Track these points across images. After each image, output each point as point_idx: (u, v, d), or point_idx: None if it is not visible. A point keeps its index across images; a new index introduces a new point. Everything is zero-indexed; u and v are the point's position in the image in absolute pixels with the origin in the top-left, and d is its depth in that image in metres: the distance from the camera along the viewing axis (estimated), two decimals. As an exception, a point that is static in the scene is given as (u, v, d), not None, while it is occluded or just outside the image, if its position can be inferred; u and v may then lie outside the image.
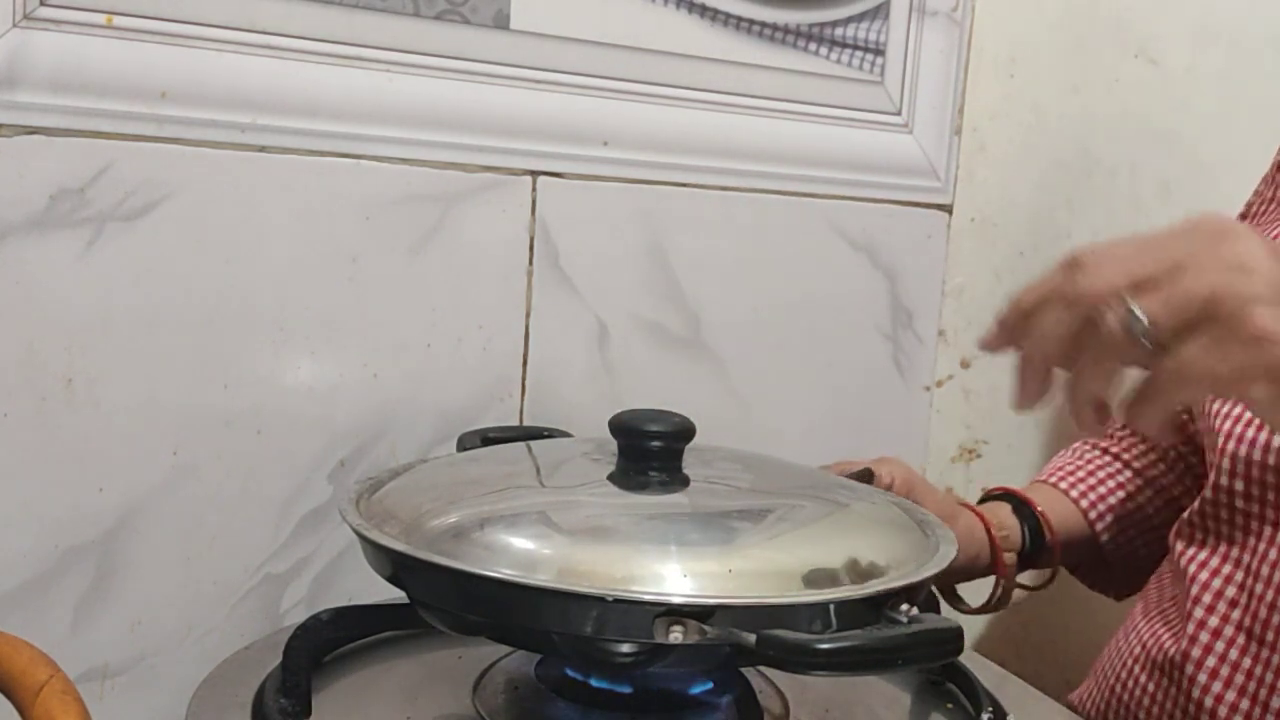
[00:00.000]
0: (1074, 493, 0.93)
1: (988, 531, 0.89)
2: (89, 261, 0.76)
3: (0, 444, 0.75)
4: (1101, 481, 0.94)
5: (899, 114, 1.10)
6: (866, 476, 0.84)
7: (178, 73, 0.77)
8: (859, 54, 1.06)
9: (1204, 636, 0.74)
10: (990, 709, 0.71)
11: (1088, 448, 0.98)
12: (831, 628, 0.58)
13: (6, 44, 0.72)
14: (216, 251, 0.80)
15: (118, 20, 0.75)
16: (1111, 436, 0.98)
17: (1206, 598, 0.74)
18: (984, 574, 0.90)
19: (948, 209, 1.15)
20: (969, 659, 0.74)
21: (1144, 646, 0.80)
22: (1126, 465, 0.95)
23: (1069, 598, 1.09)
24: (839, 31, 1.04)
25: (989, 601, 0.91)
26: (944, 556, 0.66)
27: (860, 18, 1.05)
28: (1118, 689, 0.82)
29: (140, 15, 0.76)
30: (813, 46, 1.03)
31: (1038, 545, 0.90)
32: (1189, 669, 0.74)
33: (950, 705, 0.75)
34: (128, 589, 0.80)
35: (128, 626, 0.81)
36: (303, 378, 0.85)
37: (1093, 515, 0.93)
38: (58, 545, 0.78)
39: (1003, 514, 0.91)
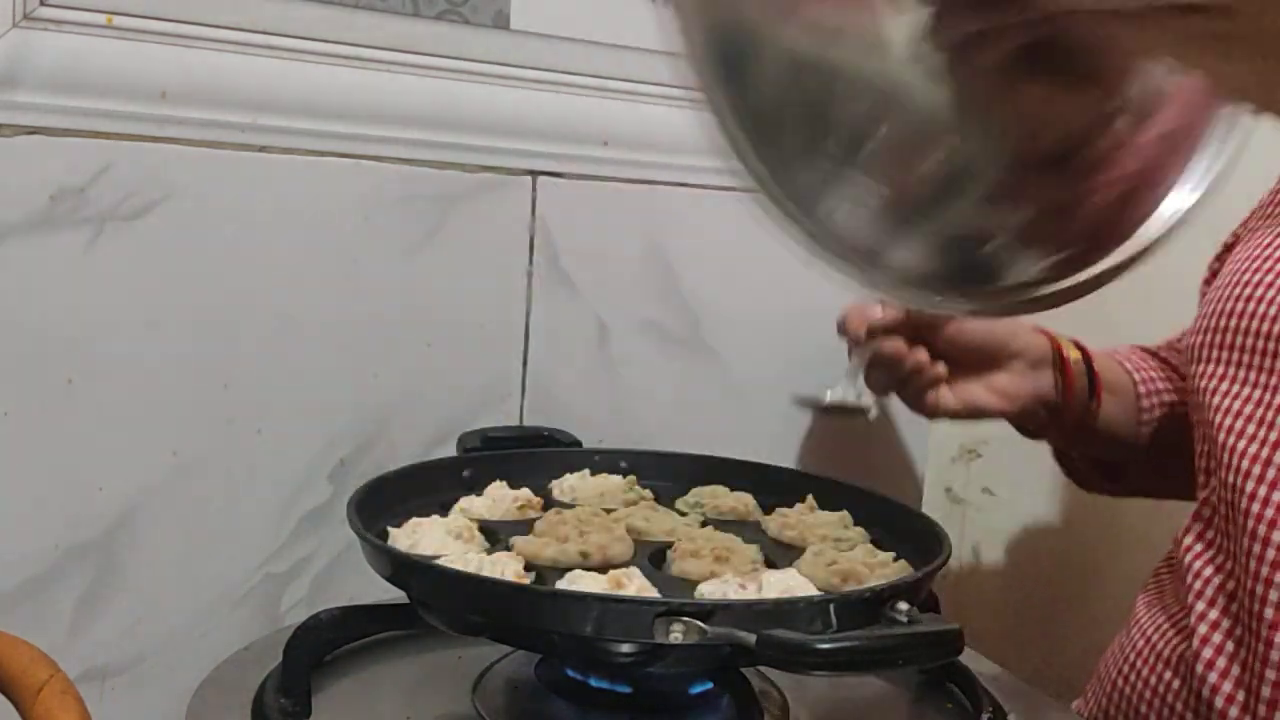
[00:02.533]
0: (1128, 364, 0.95)
1: (1050, 340, 0.92)
2: (89, 261, 0.76)
3: (0, 444, 0.75)
4: (1149, 364, 0.96)
5: (899, 114, 1.09)
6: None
7: (178, 73, 0.77)
8: (859, 54, 1.05)
9: (1202, 629, 0.74)
10: (990, 709, 0.71)
11: (1138, 348, 1.00)
12: (831, 628, 0.58)
13: (6, 44, 0.72)
14: (216, 251, 0.80)
15: (118, 20, 0.75)
16: (1159, 348, 0.99)
17: (1209, 591, 0.75)
18: (1049, 382, 0.92)
19: (948, 209, 1.15)
20: (969, 659, 0.74)
21: (1148, 641, 0.80)
22: (1174, 368, 0.96)
23: (1069, 597, 1.09)
24: (839, 31, 1.04)
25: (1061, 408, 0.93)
26: (942, 557, 0.67)
27: (860, 18, 1.05)
28: (1121, 684, 0.82)
29: (140, 15, 0.76)
30: (813, 46, 1.03)
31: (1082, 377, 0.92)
32: (1188, 660, 0.74)
33: (950, 705, 0.75)
34: (128, 589, 0.80)
35: (128, 626, 0.81)
36: (303, 378, 0.85)
37: (1140, 383, 0.94)
38: (58, 545, 0.78)
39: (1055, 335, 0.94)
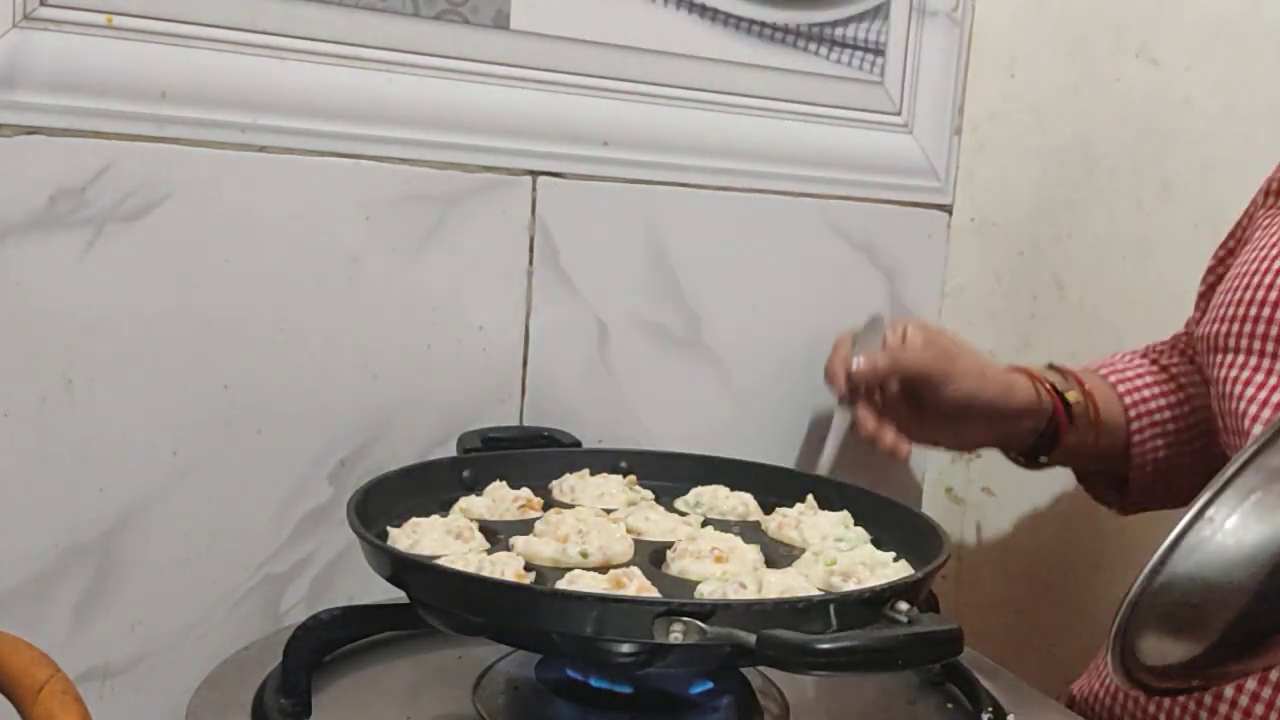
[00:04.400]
0: (1121, 387, 0.96)
1: (1037, 383, 0.93)
2: (89, 261, 0.76)
3: (0, 444, 0.75)
4: (1145, 382, 0.97)
5: (899, 114, 1.10)
6: (877, 324, 0.91)
7: (178, 73, 0.77)
8: (859, 54, 1.06)
9: None
10: (990, 709, 0.71)
11: (1139, 355, 1.01)
12: (831, 628, 0.58)
13: (6, 44, 0.72)
14: (216, 252, 0.80)
15: (118, 20, 0.75)
16: (1161, 351, 1.00)
17: None
18: (1038, 425, 0.93)
19: (948, 209, 1.15)
20: (969, 659, 0.74)
21: None
22: (1172, 378, 0.97)
23: (1069, 597, 1.09)
24: (839, 31, 1.04)
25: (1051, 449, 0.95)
26: (942, 557, 0.67)
27: (860, 18, 1.05)
28: None
29: (140, 15, 0.76)
30: (813, 46, 1.03)
31: (1079, 418, 0.94)
32: None
33: (950, 705, 0.75)
34: (128, 589, 0.80)
35: (128, 626, 0.81)
36: (303, 378, 0.85)
37: (1130, 407, 0.95)
38: (58, 545, 0.78)
39: (1053, 377, 0.95)
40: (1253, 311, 0.79)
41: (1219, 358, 0.81)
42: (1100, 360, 1.01)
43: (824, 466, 0.92)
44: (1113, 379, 0.97)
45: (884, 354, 0.90)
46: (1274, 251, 0.80)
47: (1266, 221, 0.87)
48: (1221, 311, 0.82)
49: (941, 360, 0.90)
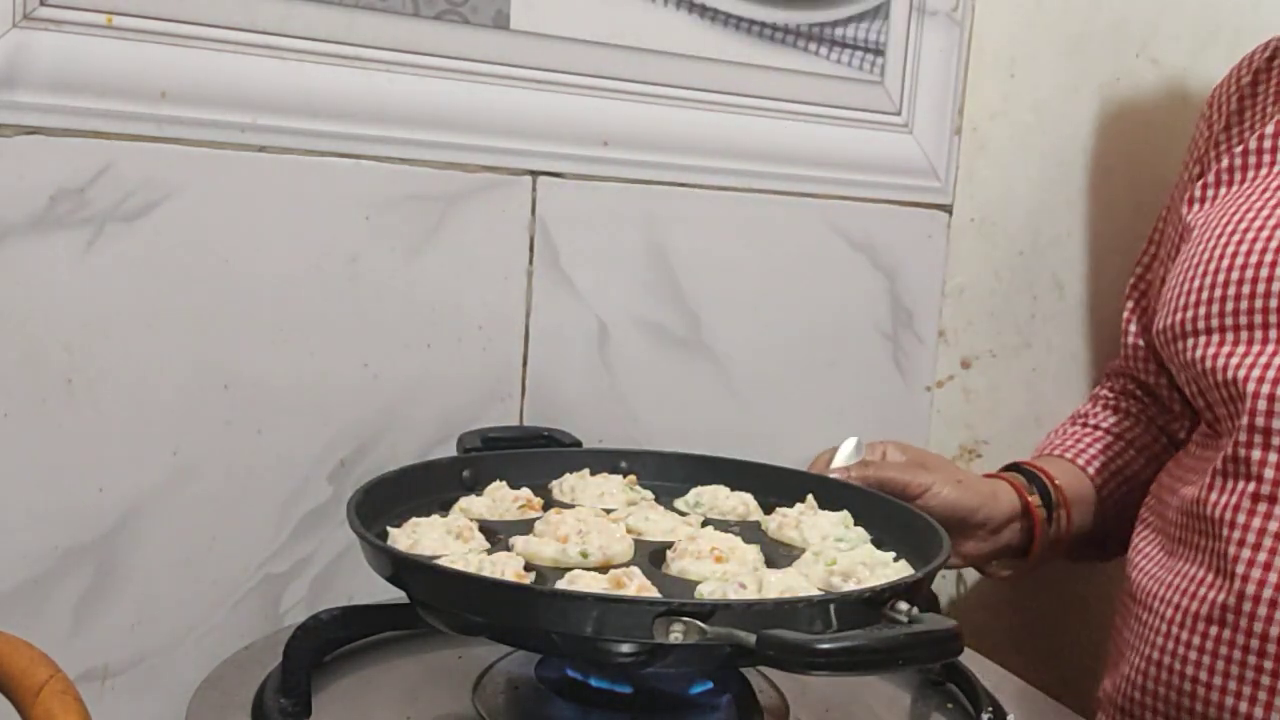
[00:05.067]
0: (1080, 460, 0.97)
1: (1019, 493, 0.93)
2: (89, 261, 0.76)
3: (0, 444, 0.75)
4: (1096, 449, 0.98)
5: (899, 114, 1.10)
6: (854, 444, 0.90)
7: (178, 73, 0.77)
8: (859, 54, 1.06)
9: (1256, 574, 0.74)
10: (990, 709, 0.71)
11: (1071, 424, 1.02)
12: (831, 628, 0.58)
13: (6, 44, 0.72)
14: (216, 251, 0.80)
15: (118, 20, 0.75)
16: (1086, 414, 1.02)
17: (1251, 538, 0.75)
18: (1014, 535, 0.93)
19: (948, 209, 1.15)
20: (969, 659, 0.74)
21: (1178, 609, 0.80)
22: (1107, 432, 0.99)
23: (1069, 597, 1.09)
24: (839, 31, 1.04)
25: (1029, 558, 0.95)
26: (941, 555, 0.67)
27: (860, 18, 1.05)
28: (1159, 657, 0.81)
29: (140, 15, 0.76)
30: (813, 46, 1.03)
31: (1050, 510, 0.94)
32: (1246, 608, 0.75)
33: (950, 705, 0.75)
34: (128, 589, 0.80)
35: (128, 626, 0.81)
36: (303, 378, 0.85)
37: (1095, 476, 0.97)
38: (58, 545, 0.78)
39: (1019, 483, 0.95)
40: (1218, 293, 0.80)
41: (1190, 341, 0.82)
42: (1045, 440, 1.03)
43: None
44: (1069, 455, 0.98)
45: (859, 465, 0.89)
46: (1234, 233, 0.81)
47: (1198, 210, 0.88)
48: (1188, 299, 0.83)
49: (918, 471, 0.90)
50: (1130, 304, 1.00)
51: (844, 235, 1.07)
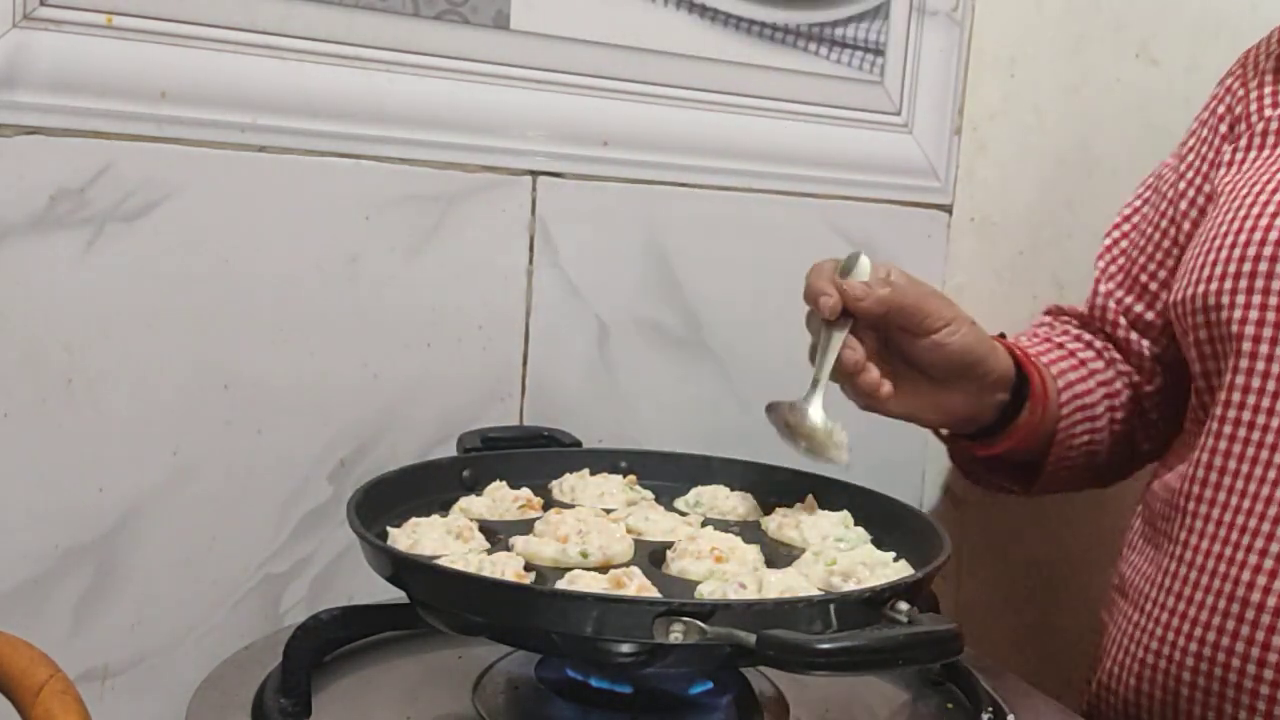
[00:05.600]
0: (1043, 359, 0.93)
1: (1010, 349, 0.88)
2: (89, 261, 0.76)
3: (0, 444, 0.75)
4: (1070, 366, 0.94)
5: (899, 114, 1.10)
6: (859, 259, 0.80)
7: (178, 73, 0.77)
8: (859, 54, 1.06)
9: (1269, 563, 0.74)
10: (990, 709, 0.71)
11: (1027, 336, 0.99)
12: (831, 628, 0.58)
13: (6, 44, 0.72)
14: (216, 251, 0.80)
15: (118, 20, 0.75)
16: (1048, 335, 0.99)
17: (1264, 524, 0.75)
18: (995, 404, 0.87)
19: (948, 209, 1.15)
20: (969, 659, 0.74)
21: (1154, 601, 0.80)
22: (1071, 355, 0.95)
23: (1069, 597, 1.09)
24: (839, 31, 1.04)
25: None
26: (942, 555, 0.67)
27: (860, 18, 1.05)
28: (1152, 660, 0.81)
29: (140, 15, 0.76)
30: (813, 46, 1.03)
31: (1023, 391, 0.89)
32: (1241, 597, 0.75)
33: (950, 705, 0.75)
34: (128, 589, 0.80)
35: (128, 626, 0.81)
36: (303, 378, 0.85)
37: (1064, 390, 0.92)
38: (58, 545, 0.78)
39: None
40: (1248, 266, 0.78)
41: (1223, 315, 0.80)
42: (1022, 334, 0.99)
43: (819, 393, 0.79)
44: (1045, 360, 0.94)
45: (879, 284, 0.79)
46: (1264, 198, 0.80)
47: (1224, 175, 0.86)
48: (1218, 269, 0.80)
49: (940, 303, 0.81)
50: (1102, 264, 0.97)
51: (844, 235, 1.07)
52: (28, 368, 0.75)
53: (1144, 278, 0.95)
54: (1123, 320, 0.96)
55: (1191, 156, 0.93)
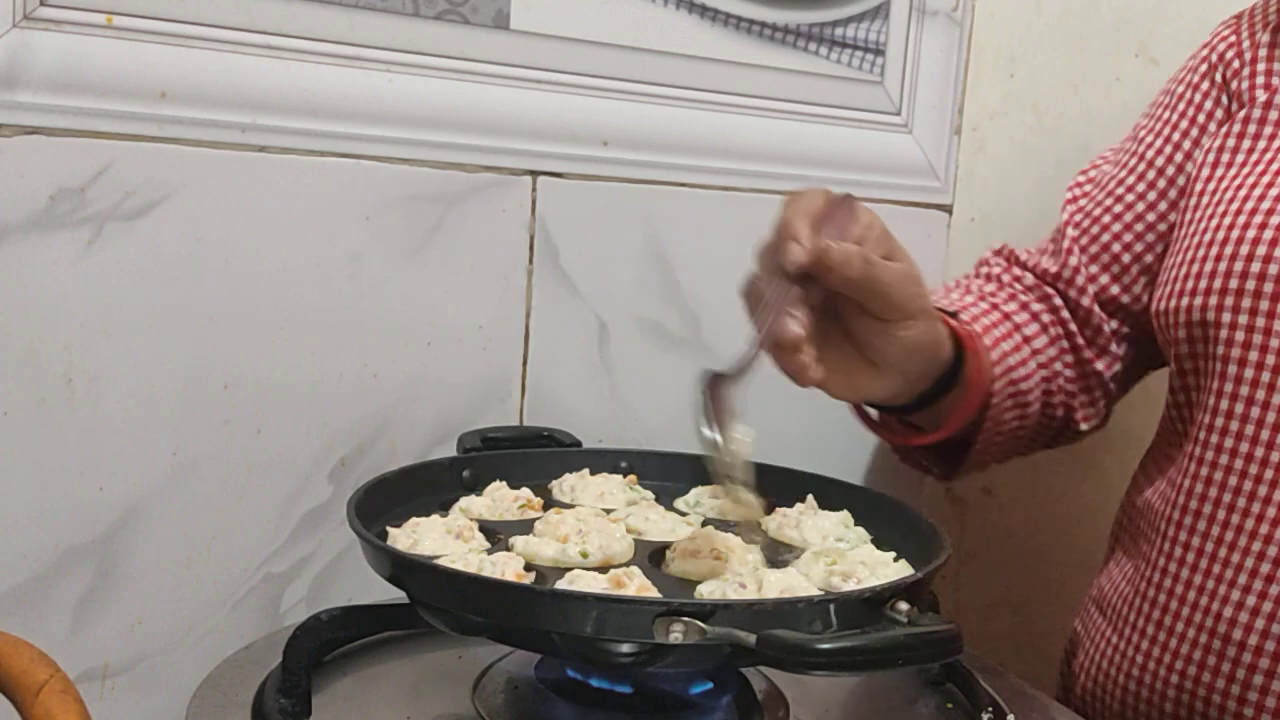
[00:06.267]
0: (986, 339, 0.87)
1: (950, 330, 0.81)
2: (89, 261, 0.76)
3: (0, 444, 0.75)
4: (998, 332, 0.89)
5: (899, 114, 1.10)
6: (848, 200, 0.74)
7: (178, 73, 0.77)
8: (859, 54, 1.06)
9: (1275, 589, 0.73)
10: (990, 709, 0.71)
11: (975, 297, 0.93)
12: (831, 628, 0.58)
13: (6, 44, 0.72)
14: (216, 251, 0.80)
15: (118, 20, 0.75)
16: (992, 293, 0.94)
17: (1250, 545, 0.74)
18: (936, 367, 0.80)
19: (948, 209, 1.15)
20: (969, 659, 0.74)
21: (1160, 626, 0.79)
22: (1016, 330, 0.90)
23: (1069, 597, 1.09)
24: (839, 31, 1.04)
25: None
26: (942, 555, 0.67)
27: (860, 18, 1.05)
28: (1135, 687, 0.81)
29: (140, 15, 0.76)
30: (813, 46, 1.03)
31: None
32: (1227, 617, 0.75)
33: (950, 705, 0.75)
34: (128, 589, 0.80)
35: (128, 626, 0.81)
36: (302, 378, 0.85)
37: (998, 365, 0.87)
38: (58, 545, 0.78)
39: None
40: (1234, 283, 0.75)
41: (1209, 332, 0.77)
42: (945, 292, 0.94)
43: (748, 355, 0.71)
44: (990, 339, 0.87)
45: (862, 253, 0.71)
46: (1253, 215, 0.76)
47: (1209, 175, 0.82)
48: (1205, 283, 0.77)
49: (910, 295, 0.73)
50: (1073, 229, 0.92)
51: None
52: (28, 367, 0.75)
53: (1117, 247, 0.90)
54: (1090, 289, 0.91)
55: (1174, 116, 0.89)
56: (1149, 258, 0.90)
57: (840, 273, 0.70)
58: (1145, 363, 0.93)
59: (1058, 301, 0.92)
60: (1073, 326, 0.92)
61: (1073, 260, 0.91)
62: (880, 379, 0.77)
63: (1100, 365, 0.92)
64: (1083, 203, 0.93)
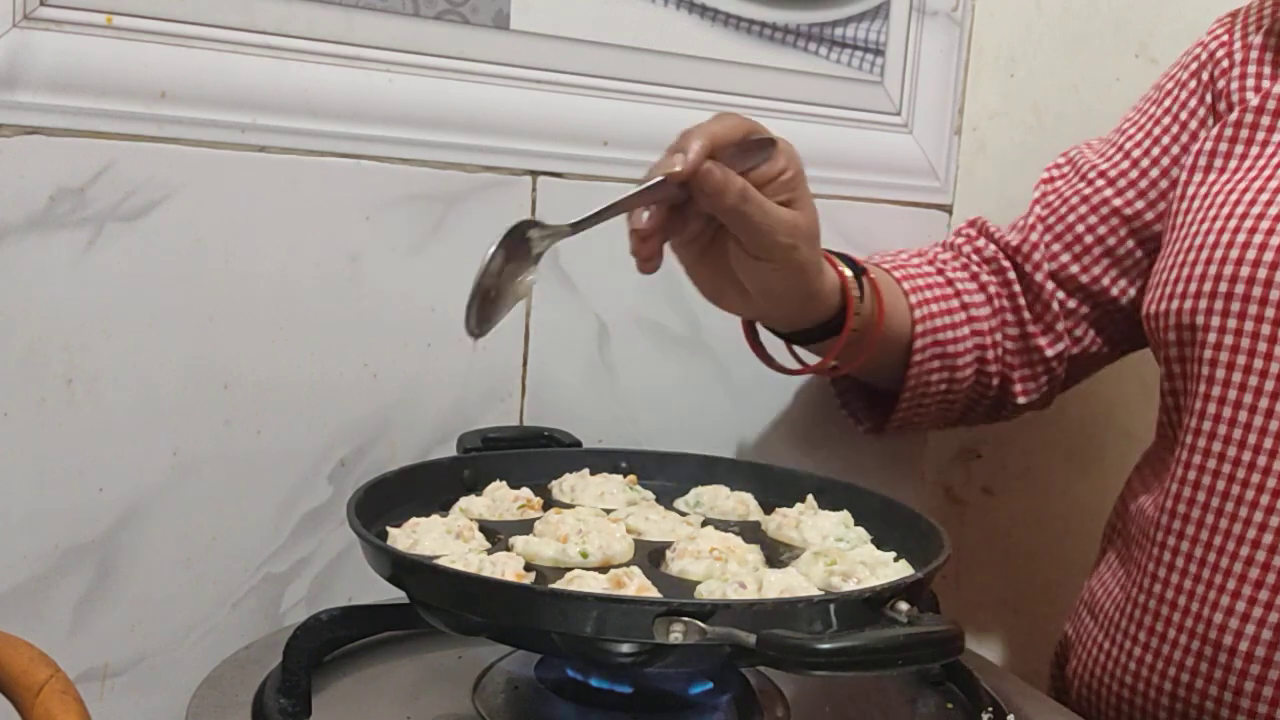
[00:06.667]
0: (913, 298, 0.90)
1: (844, 286, 0.83)
2: (89, 261, 0.76)
3: (0, 444, 0.75)
4: (935, 295, 0.91)
5: (899, 114, 1.10)
6: (768, 144, 0.74)
7: (178, 73, 0.77)
8: (859, 54, 1.06)
9: (1264, 595, 0.73)
10: (990, 709, 0.71)
11: (924, 260, 0.95)
12: (831, 628, 0.58)
13: (6, 44, 0.72)
14: (216, 251, 0.80)
15: (118, 20, 0.75)
16: (945, 260, 0.96)
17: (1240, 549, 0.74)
18: (814, 314, 0.83)
19: (948, 209, 1.15)
20: (969, 659, 0.74)
21: (1160, 634, 0.80)
22: (955, 295, 0.92)
23: (1069, 597, 1.09)
24: (839, 31, 1.04)
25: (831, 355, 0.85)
26: (942, 555, 0.67)
27: (860, 18, 1.05)
28: (1127, 694, 0.81)
29: (140, 15, 0.76)
30: (813, 46, 1.03)
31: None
32: (1217, 623, 0.75)
33: (950, 705, 0.75)
34: (128, 589, 0.80)
35: (128, 626, 0.81)
36: (302, 378, 0.85)
37: (918, 322, 0.90)
38: (58, 545, 0.78)
39: (851, 285, 0.84)
40: (1224, 286, 0.75)
41: (1199, 335, 0.77)
42: (890, 257, 0.96)
43: (581, 220, 0.73)
44: (906, 286, 0.90)
45: (743, 187, 0.71)
46: (1243, 220, 0.76)
47: (1200, 181, 0.82)
48: (1194, 286, 0.77)
49: (793, 242, 0.74)
50: (1041, 208, 0.93)
51: (844, 235, 1.07)
52: (28, 368, 0.75)
53: (1081, 228, 0.91)
54: (1047, 266, 0.92)
55: (1158, 111, 0.89)
56: (1112, 240, 0.91)
57: (713, 198, 0.71)
58: (1112, 349, 0.93)
59: (1011, 275, 0.94)
60: (1021, 300, 0.93)
61: (1034, 236, 0.93)
62: (744, 303, 0.80)
63: (1043, 341, 0.93)
64: (1058, 184, 0.95)
